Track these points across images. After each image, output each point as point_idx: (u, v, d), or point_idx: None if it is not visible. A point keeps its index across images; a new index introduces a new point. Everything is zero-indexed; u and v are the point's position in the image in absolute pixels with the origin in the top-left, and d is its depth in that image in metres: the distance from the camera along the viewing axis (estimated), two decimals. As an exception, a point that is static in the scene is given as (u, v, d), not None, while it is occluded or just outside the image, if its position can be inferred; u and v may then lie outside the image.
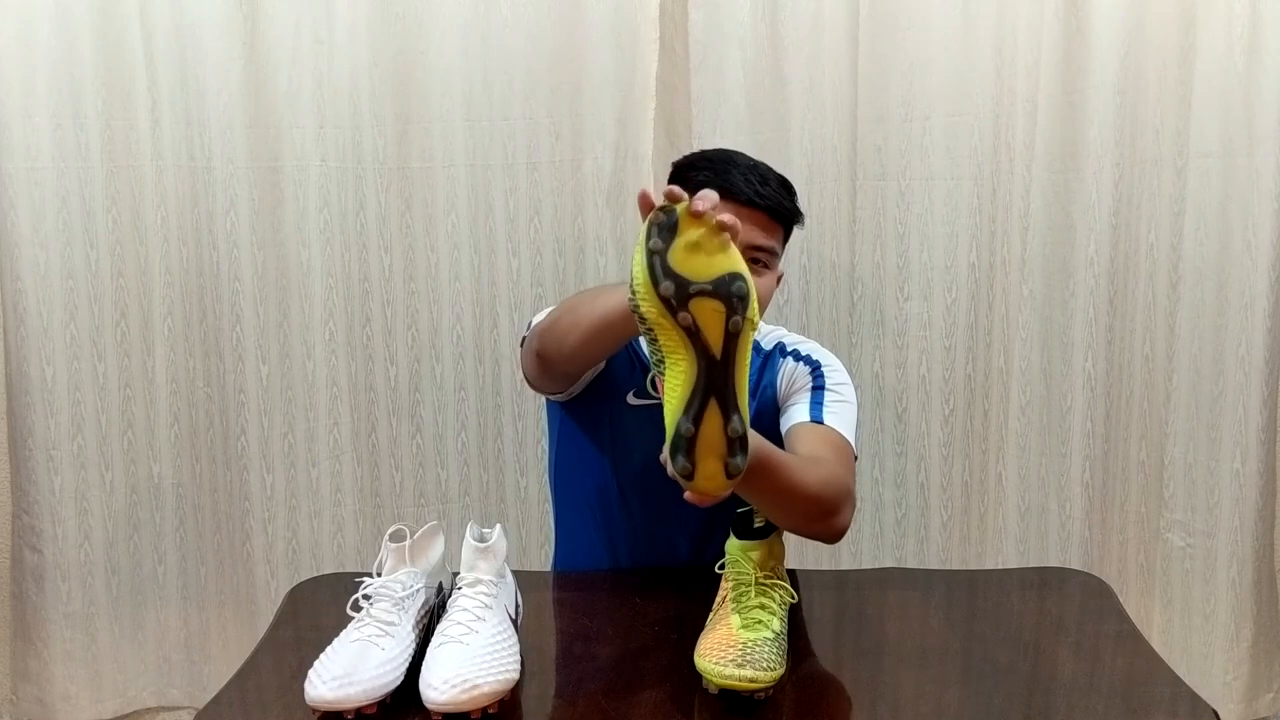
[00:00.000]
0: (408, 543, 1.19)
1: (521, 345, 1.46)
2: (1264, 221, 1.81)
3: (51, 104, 1.78)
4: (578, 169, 1.89)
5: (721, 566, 1.24)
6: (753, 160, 1.46)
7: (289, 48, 1.81)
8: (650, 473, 1.45)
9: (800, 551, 1.99)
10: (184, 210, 1.86)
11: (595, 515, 1.54)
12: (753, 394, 1.48)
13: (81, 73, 1.79)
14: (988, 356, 1.95)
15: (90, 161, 1.82)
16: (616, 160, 1.89)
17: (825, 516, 1.24)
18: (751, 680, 1.08)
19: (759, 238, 1.40)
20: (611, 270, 1.92)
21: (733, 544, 1.23)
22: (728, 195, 1.37)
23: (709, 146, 1.83)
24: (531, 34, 1.84)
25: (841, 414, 1.41)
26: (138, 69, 1.81)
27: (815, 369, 1.47)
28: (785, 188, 1.46)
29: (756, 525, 1.24)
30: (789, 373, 1.48)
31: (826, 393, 1.43)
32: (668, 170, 1.89)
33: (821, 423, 1.38)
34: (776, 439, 1.39)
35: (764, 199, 1.40)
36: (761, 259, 1.41)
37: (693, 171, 1.44)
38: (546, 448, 1.64)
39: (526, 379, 1.48)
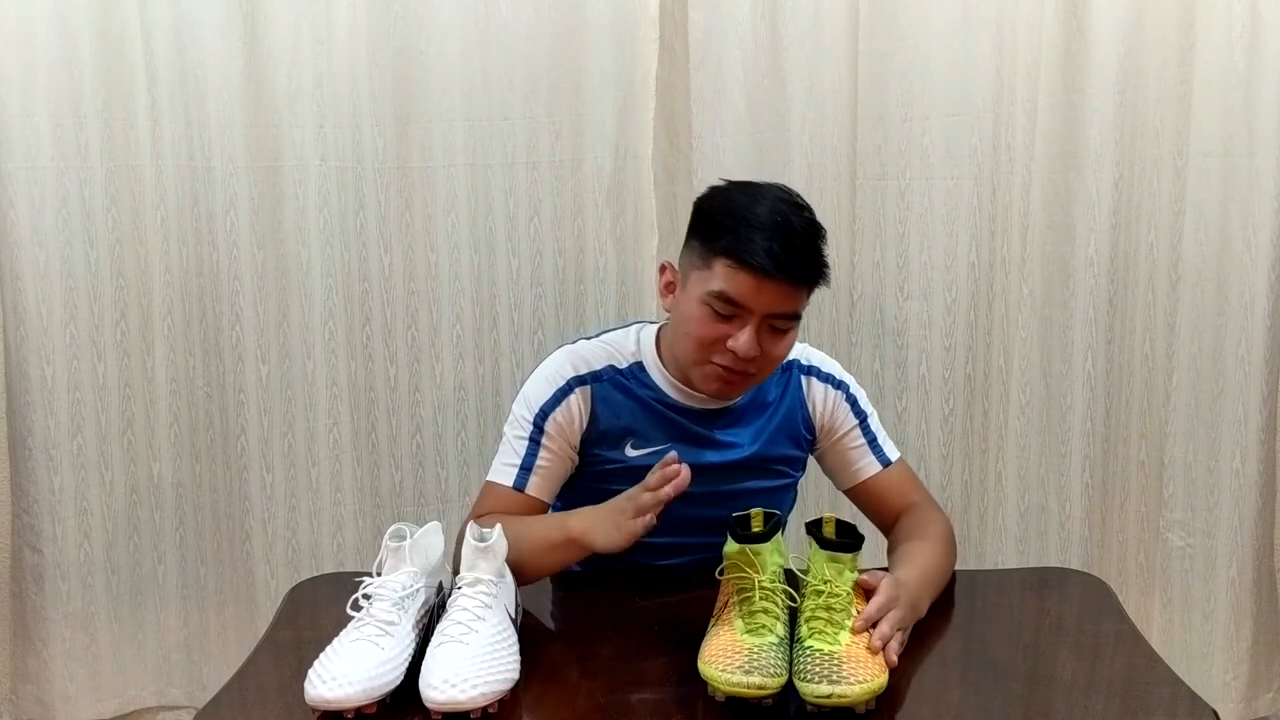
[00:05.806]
0: (408, 543, 1.19)
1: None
2: (1264, 221, 1.81)
3: (51, 103, 1.78)
4: (578, 169, 1.89)
5: (721, 572, 1.23)
6: (782, 209, 1.34)
7: (289, 48, 1.81)
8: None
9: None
10: (184, 210, 1.86)
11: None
12: (774, 410, 1.49)
13: (81, 72, 1.78)
14: (988, 356, 1.95)
15: (90, 161, 1.82)
16: (616, 160, 1.89)
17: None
18: (760, 687, 1.06)
19: (782, 305, 1.33)
20: (611, 269, 1.92)
21: (732, 548, 1.21)
22: (747, 266, 1.30)
23: (708, 147, 1.84)
24: (531, 33, 1.83)
25: (886, 434, 1.54)
26: (138, 69, 1.81)
27: (845, 392, 1.52)
28: (810, 245, 1.33)
29: (755, 530, 1.23)
30: (822, 398, 1.51)
31: (869, 419, 1.53)
32: (667, 171, 1.91)
33: (890, 463, 1.52)
34: (805, 453, 1.54)
35: (786, 272, 1.30)
36: (781, 326, 1.35)
37: (716, 230, 1.34)
38: None
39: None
